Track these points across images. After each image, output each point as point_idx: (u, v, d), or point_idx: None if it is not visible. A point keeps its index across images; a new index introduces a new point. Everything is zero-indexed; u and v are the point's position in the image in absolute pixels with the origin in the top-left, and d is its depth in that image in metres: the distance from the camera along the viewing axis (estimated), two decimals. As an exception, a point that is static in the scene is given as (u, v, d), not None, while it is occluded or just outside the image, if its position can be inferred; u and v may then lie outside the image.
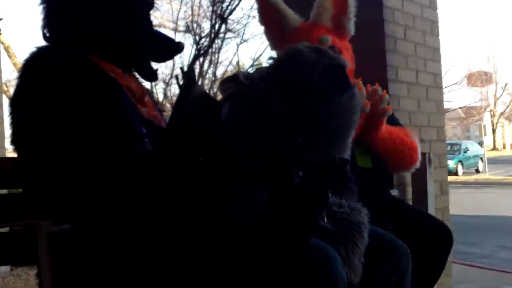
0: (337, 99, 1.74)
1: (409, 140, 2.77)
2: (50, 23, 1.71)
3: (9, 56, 12.19)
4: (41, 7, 1.72)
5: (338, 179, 1.86)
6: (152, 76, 1.82)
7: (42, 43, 1.73)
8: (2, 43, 8.96)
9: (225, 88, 1.96)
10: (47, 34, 1.72)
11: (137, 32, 1.73)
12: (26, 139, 1.57)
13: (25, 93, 1.60)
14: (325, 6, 2.74)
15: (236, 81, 1.93)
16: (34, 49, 1.67)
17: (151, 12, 1.82)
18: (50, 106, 1.53)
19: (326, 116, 1.73)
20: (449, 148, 25.27)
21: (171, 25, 13.23)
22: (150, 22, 1.80)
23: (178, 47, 1.80)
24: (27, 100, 1.58)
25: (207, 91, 1.84)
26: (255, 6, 2.93)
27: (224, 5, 11.38)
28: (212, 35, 10.87)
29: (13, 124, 1.61)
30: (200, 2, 12.00)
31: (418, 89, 3.75)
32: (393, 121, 2.83)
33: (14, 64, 11.87)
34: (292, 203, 1.68)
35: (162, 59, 1.87)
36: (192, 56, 11.49)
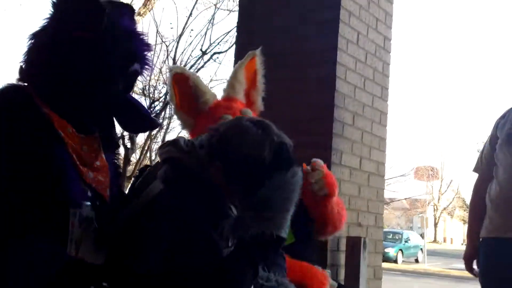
0: (282, 175, 1.77)
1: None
2: (28, 60, 1.73)
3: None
4: (28, 42, 1.74)
5: (271, 254, 1.89)
6: (113, 143, 1.82)
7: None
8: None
9: (164, 151, 1.96)
10: (22, 70, 1.73)
11: (104, 97, 1.72)
12: None
13: None
14: (239, 79, 2.80)
15: (175, 146, 1.93)
16: None
17: (135, 81, 1.83)
18: None
19: (268, 191, 1.75)
20: (391, 236, 25.62)
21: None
22: (126, 90, 1.79)
23: (151, 125, 1.82)
24: None
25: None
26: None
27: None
28: (166, 100, 10.96)
29: None
30: (160, 69, 12.13)
31: (361, 175, 3.86)
32: None
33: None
34: (220, 273, 1.70)
35: (133, 130, 1.88)
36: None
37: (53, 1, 1.71)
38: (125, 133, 10.87)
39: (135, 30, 1.81)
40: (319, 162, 2.66)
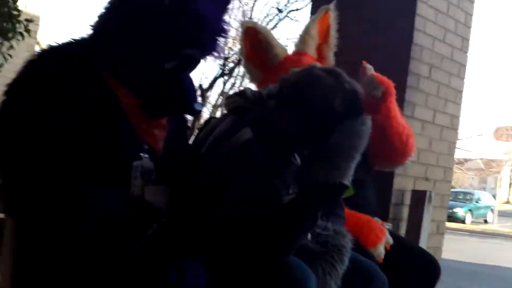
0: (351, 123, 1.78)
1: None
2: (100, 22, 1.73)
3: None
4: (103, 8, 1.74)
5: (332, 203, 1.90)
6: (158, 113, 1.79)
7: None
8: (38, 43, 9.03)
9: (230, 101, 1.99)
10: (92, 27, 1.74)
11: (153, 76, 1.70)
12: (7, 134, 1.57)
13: (24, 87, 1.61)
14: (312, 35, 2.79)
15: (242, 96, 1.96)
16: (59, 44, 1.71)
17: (191, 64, 1.76)
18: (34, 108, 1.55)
19: (338, 138, 1.77)
20: (461, 196, 25.12)
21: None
22: (178, 70, 1.73)
23: (190, 110, 1.77)
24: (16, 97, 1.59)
25: None
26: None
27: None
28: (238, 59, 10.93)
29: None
30: (236, 28, 12.11)
31: (433, 128, 3.81)
32: None
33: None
34: (282, 215, 1.74)
35: (171, 110, 1.80)
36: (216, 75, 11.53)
37: None
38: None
39: (211, 15, 1.73)
40: (368, 65, 2.61)
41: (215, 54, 1.80)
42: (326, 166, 1.75)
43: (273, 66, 2.66)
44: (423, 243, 3.37)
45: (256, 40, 2.71)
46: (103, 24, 1.73)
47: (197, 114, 1.80)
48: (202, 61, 1.79)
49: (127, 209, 1.58)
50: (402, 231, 3.47)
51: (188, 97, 1.76)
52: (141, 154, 1.70)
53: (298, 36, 2.86)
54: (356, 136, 1.78)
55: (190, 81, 1.79)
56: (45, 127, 1.53)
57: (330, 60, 2.84)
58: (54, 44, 1.72)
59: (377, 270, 2.17)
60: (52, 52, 1.69)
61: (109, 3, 1.74)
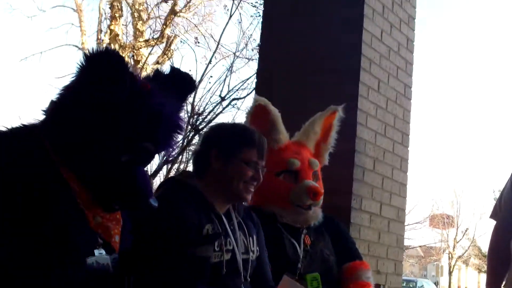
0: None
1: None
2: (53, 107, 1.73)
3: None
4: (57, 96, 1.74)
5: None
6: (108, 209, 1.77)
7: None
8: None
9: None
10: (44, 114, 1.74)
11: (107, 168, 1.70)
12: None
13: None
14: (315, 130, 2.88)
15: None
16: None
17: (145, 157, 1.78)
18: None
19: None
20: (404, 284, 25.25)
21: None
22: (132, 163, 1.74)
23: (143, 205, 1.76)
24: None
25: None
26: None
27: (201, 117, 11.61)
28: (183, 144, 11.00)
29: None
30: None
31: (381, 221, 3.84)
32: (353, 254, 2.87)
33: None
34: None
35: (123, 205, 1.81)
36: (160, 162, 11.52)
37: (81, 62, 1.70)
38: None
39: (168, 111, 1.78)
40: None
41: (169, 148, 1.84)
42: None
43: (272, 149, 2.66)
44: None
45: (262, 121, 2.75)
46: (57, 109, 1.72)
47: (152, 210, 1.79)
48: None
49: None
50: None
51: (142, 192, 1.74)
52: (94, 250, 1.67)
53: (302, 127, 2.92)
54: None
55: (144, 175, 1.78)
56: None
57: (325, 159, 2.92)
58: (3, 128, 1.69)
59: None
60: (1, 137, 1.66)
61: (65, 89, 1.73)
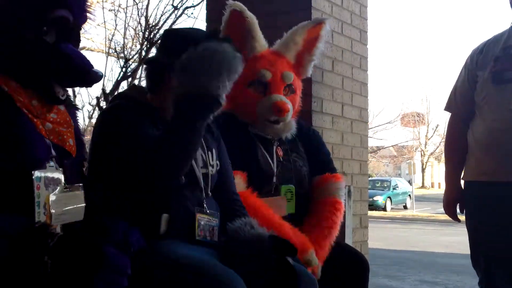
0: (209, 43, 1.88)
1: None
2: None
3: None
4: None
5: (206, 114, 1.90)
6: (52, 99, 1.69)
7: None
8: None
9: None
10: None
11: (34, 52, 1.62)
12: None
13: None
14: (296, 41, 2.73)
15: None
16: None
17: (68, 29, 1.69)
18: None
19: (193, 53, 1.86)
20: (379, 184, 25.86)
21: (103, 48, 12.98)
22: (59, 40, 1.67)
23: (88, 77, 1.68)
24: None
25: None
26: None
27: (156, 29, 11.32)
28: (140, 59, 10.78)
29: None
30: (135, 28, 11.91)
31: (343, 122, 3.77)
32: (325, 166, 2.79)
33: None
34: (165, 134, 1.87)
35: (69, 85, 1.76)
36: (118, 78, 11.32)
37: None
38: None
39: None
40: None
41: (87, 13, 1.76)
42: (183, 79, 1.85)
43: (246, 56, 2.53)
44: (349, 239, 3.32)
45: (238, 27, 2.63)
46: None
47: (97, 80, 1.74)
48: (77, 29, 1.72)
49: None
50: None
51: (81, 63, 1.67)
52: (45, 162, 1.62)
53: (283, 36, 2.78)
54: (215, 53, 1.85)
55: (80, 53, 1.70)
56: None
57: (307, 70, 2.80)
58: None
59: (306, 272, 2.09)
60: None
61: None
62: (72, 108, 1.86)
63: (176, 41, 2.06)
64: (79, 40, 1.78)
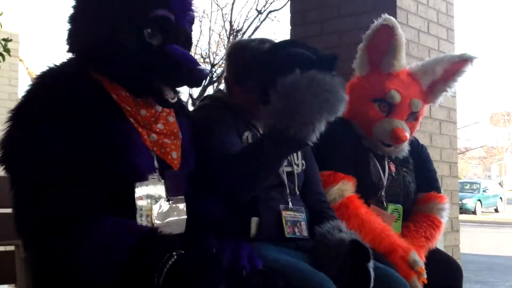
0: (316, 73, 1.75)
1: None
2: (70, 35, 1.67)
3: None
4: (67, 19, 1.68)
5: (293, 151, 1.93)
6: (162, 102, 1.68)
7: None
8: (21, 60, 8.94)
9: None
10: (68, 46, 1.68)
11: (138, 55, 1.60)
12: (17, 158, 1.52)
13: (24, 112, 1.56)
14: (437, 71, 2.65)
15: None
16: (48, 66, 1.66)
17: (170, 29, 1.66)
18: (41, 131, 1.50)
19: (283, 88, 1.76)
20: (468, 186, 24.99)
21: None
22: (165, 41, 1.64)
23: (193, 75, 1.62)
24: (23, 120, 1.54)
25: None
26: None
27: (240, 33, 11.44)
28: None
29: (5, 140, 1.54)
30: (219, 33, 12.09)
31: (431, 123, 3.68)
32: (431, 185, 2.74)
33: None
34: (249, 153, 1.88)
35: (177, 85, 1.70)
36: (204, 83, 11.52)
37: None
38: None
39: None
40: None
41: (190, 12, 1.72)
42: (280, 106, 1.75)
43: (381, 71, 2.56)
44: (440, 244, 3.22)
45: (384, 41, 2.56)
46: (73, 25, 1.66)
47: (204, 78, 1.68)
48: (182, 29, 1.69)
49: (132, 239, 1.45)
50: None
51: (187, 61, 1.63)
52: (147, 174, 1.61)
53: (425, 60, 2.75)
54: (323, 89, 1.73)
55: (184, 52, 1.66)
56: (50, 152, 1.47)
57: (437, 99, 2.76)
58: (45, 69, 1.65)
59: (396, 275, 2.05)
60: (46, 77, 1.62)
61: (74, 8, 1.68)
62: (183, 118, 1.83)
63: (284, 58, 1.95)
64: (190, 43, 1.75)
